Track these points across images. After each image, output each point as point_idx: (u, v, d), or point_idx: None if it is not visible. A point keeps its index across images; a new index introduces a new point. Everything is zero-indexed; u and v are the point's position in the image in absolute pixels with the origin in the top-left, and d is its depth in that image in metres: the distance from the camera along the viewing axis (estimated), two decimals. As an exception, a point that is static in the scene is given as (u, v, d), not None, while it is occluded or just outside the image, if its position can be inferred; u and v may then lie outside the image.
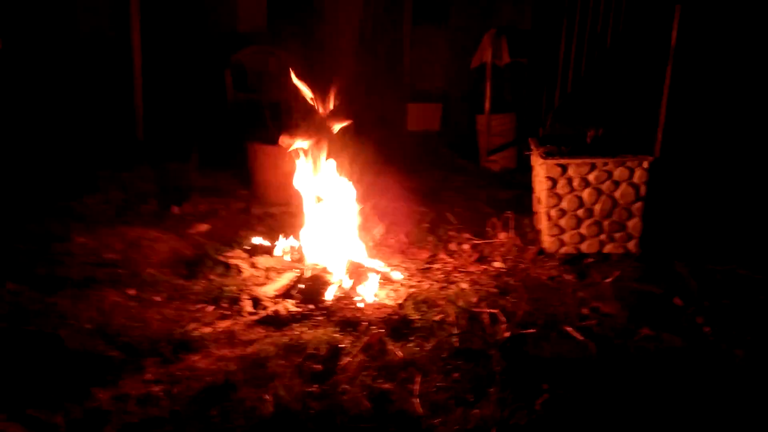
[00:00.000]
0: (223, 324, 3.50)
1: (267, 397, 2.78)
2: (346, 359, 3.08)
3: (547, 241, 4.37)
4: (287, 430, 2.60)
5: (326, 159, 4.36)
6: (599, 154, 4.16)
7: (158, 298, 3.80)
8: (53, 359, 3.05)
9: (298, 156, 4.39)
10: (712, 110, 5.51)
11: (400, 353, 3.12)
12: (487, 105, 6.04)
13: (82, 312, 3.54)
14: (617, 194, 4.22)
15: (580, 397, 2.89)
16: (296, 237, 4.36)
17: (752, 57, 5.50)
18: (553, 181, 4.22)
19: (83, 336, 3.24)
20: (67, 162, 6.08)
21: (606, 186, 4.20)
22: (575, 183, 4.20)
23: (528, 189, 5.40)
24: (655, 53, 5.42)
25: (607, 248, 4.34)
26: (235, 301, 3.72)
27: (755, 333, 3.52)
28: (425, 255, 4.51)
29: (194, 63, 8.01)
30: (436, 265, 4.35)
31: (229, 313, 3.63)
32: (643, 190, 4.18)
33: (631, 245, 4.30)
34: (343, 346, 3.18)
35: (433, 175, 6.30)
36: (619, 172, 4.16)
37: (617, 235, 4.30)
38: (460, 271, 4.26)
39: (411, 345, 3.23)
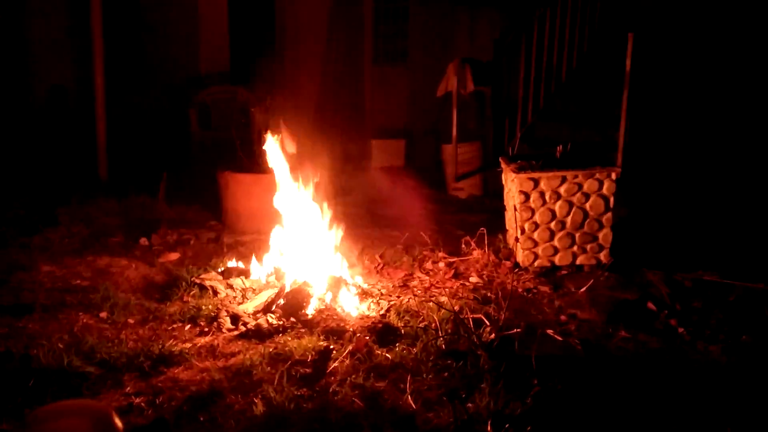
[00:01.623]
0: (203, 340, 3.42)
1: (256, 399, 2.70)
2: (334, 364, 3.03)
3: (522, 255, 4.43)
4: (280, 429, 2.53)
5: (301, 185, 4.39)
6: (569, 167, 4.28)
7: (132, 320, 3.69)
8: (23, 376, 2.91)
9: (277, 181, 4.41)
10: (671, 126, 5.77)
11: (388, 356, 3.10)
12: (454, 132, 6.18)
13: (53, 333, 3.42)
14: (587, 206, 4.33)
15: (569, 391, 2.90)
16: (272, 260, 4.32)
17: (704, 75, 5.81)
18: (526, 195, 4.32)
19: (56, 354, 3.11)
20: (25, 202, 5.95)
21: (577, 198, 4.31)
22: (547, 196, 4.31)
23: (496, 213, 5.52)
24: (610, 79, 5.68)
25: (580, 259, 4.42)
26: (213, 319, 3.64)
27: (728, 331, 3.62)
28: (401, 273, 4.51)
29: (159, 104, 8.04)
30: (413, 282, 4.36)
31: (208, 330, 3.55)
32: (612, 201, 4.31)
33: (603, 256, 4.40)
34: (332, 347, 3.14)
35: (402, 204, 6.35)
36: (588, 184, 4.29)
37: (589, 246, 4.39)
38: (437, 287, 4.27)
39: (398, 349, 3.20)
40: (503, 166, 4.69)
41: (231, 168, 5.53)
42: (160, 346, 3.26)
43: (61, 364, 3.01)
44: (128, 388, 2.89)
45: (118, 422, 1.12)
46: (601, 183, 4.29)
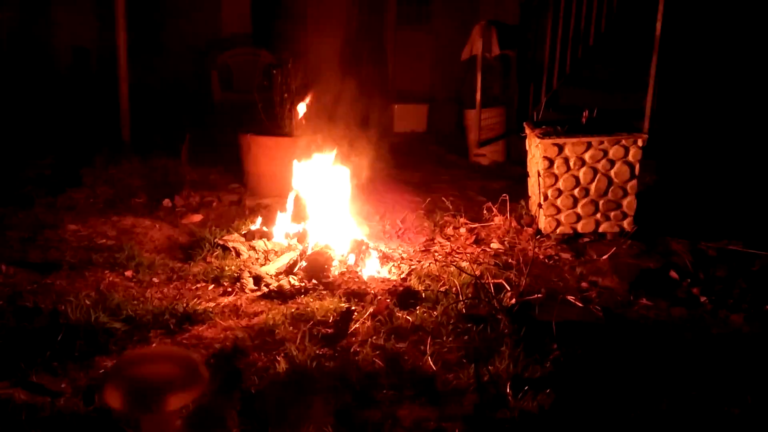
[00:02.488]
0: (226, 299, 3.47)
1: (279, 358, 2.75)
2: (355, 325, 3.07)
3: (544, 222, 4.41)
4: (302, 387, 2.57)
5: (324, 150, 4.40)
6: (595, 132, 4.22)
7: (156, 279, 3.75)
8: (53, 331, 2.99)
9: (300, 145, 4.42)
10: (701, 93, 5.65)
11: (409, 318, 3.12)
12: (478, 96, 6.11)
13: (81, 290, 3.48)
14: (612, 173, 4.28)
15: (589, 356, 2.91)
16: (294, 223, 4.35)
17: (733, 43, 5.67)
18: (550, 161, 4.27)
19: (84, 310, 3.17)
20: (50, 163, 6.02)
21: (602, 165, 4.25)
22: (572, 162, 4.26)
23: (518, 180, 5.47)
24: (638, 45, 5.56)
25: (603, 227, 4.39)
26: (236, 279, 3.69)
27: (751, 301, 3.59)
28: (422, 238, 4.52)
29: (181, 66, 8.03)
30: (434, 247, 4.36)
31: (231, 290, 3.60)
32: (637, 168, 4.25)
33: (626, 223, 4.36)
34: (353, 309, 3.17)
35: (423, 170, 6.33)
36: (614, 151, 4.23)
37: (612, 213, 4.35)
38: (458, 252, 4.28)
39: (418, 312, 3.23)
40: (527, 131, 4.63)
41: (253, 130, 5.53)
42: (185, 305, 3.32)
43: (89, 320, 3.07)
44: (153, 344, 2.95)
45: (204, 370, 1.13)
46: (626, 149, 4.23)
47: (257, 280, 3.65)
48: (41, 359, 2.77)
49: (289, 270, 3.73)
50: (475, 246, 4.39)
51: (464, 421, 2.42)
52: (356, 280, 3.60)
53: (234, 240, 4.21)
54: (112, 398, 1.08)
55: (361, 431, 2.36)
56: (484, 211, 4.79)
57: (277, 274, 3.72)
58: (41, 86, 7.35)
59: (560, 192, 4.33)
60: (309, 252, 3.83)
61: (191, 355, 1.20)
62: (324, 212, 4.24)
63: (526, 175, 4.92)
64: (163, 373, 1.17)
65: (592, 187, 4.31)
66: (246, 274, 3.70)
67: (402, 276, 3.74)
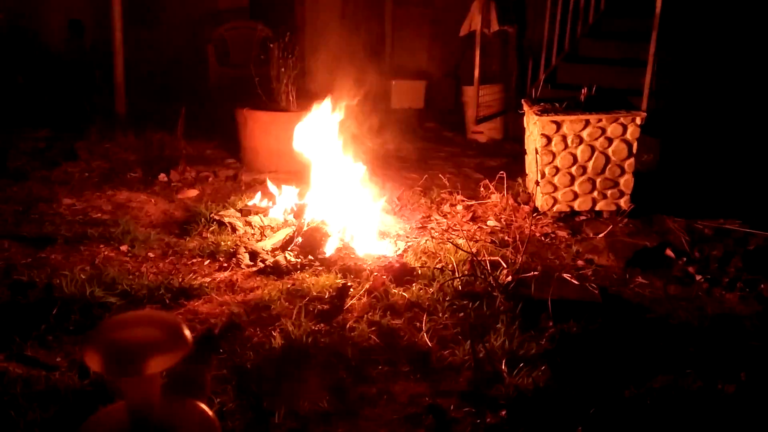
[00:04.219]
0: (222, 275, 3.47)
1: (275, 333, 2.75)
2: (351, 301, 3.07)
3: (541, 200, 4.40)
4: (297, 362, 2.58)
5: (320, 124, 4.36)
6: (593, 110, 4.20)
7: (152, 254, 3.74)
8: (48, 305, 2.98)
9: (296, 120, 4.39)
10: (700, 71, 5.61)
11: (405, 295, 3.12)
12: (477, 72, 6.05)
13: (76, 264, 3.48)
14: (610, 151, 4.26)
15: (585, 333, 2.92)
16: (290, 198, 4.33)
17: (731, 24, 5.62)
18: (548, 139, 4.25)
19: (79, 284, 3.17)
20: (44, 136, 5.97)
21: (599, 143, 4.24)
22: (569, 140, 4.24)
23: (516, 158, 5.46)
24: (638, 23, 5.50)
25: (599, 205, 4.38)
26: (231, 255, 3.68)
27: (746, 280, 3.60)
28: (419, 215, 4.50)
29: (177, 39, 7.93)
30: (430, 224, 4.35)
31: (227, 265, 3.59)
32: (635, 146, 4.23)
33: (623, 202, 4.35)
34: (349, 285, 3.17)
35: (420, 147, 6.29)
36: (612, 129, 4.20)
37: (609, 192, 4.35)
38: (455, 229, 4.27)
39: (414, 289, 3.23)
40: (525, 108, 4.60)
41: (249, 105, 5.48)
42: (180, 280, 3.32)
43: (84, 294, 3.07)
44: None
45: (188, 333, 1.11)
46: (624, 128, 4.21)
47: (253, 255, 3.64)
48: (36, 333, 2.77)
49: (285, 246, 3.73)
50: (471, 223, 4.38)
51: (459, 397, 2.44)
52: (352, 256, 3.59)
53: (230, 215, 4.19)
54: (92, 361, 1.06)
55: (356, 407, 2.37)
56: (481, 189, 4.78)
57: (273, 250, 3.71)
58: (35, 58, 7.27)
59: (557, 170, 4.32)
60: (305, 228, 3.82)
61: (174, 318, 1.17)
62: (320, 188, 4.21)
63: (523, 152, 4.90)
64: (144, 336, 1.15)
65: (590, 165, 4.29)
66: (242, 250, 3.69)
67: (398, 253, 3.74)
